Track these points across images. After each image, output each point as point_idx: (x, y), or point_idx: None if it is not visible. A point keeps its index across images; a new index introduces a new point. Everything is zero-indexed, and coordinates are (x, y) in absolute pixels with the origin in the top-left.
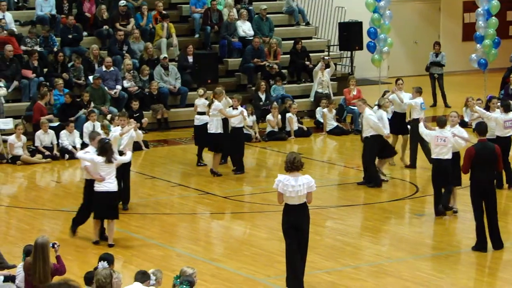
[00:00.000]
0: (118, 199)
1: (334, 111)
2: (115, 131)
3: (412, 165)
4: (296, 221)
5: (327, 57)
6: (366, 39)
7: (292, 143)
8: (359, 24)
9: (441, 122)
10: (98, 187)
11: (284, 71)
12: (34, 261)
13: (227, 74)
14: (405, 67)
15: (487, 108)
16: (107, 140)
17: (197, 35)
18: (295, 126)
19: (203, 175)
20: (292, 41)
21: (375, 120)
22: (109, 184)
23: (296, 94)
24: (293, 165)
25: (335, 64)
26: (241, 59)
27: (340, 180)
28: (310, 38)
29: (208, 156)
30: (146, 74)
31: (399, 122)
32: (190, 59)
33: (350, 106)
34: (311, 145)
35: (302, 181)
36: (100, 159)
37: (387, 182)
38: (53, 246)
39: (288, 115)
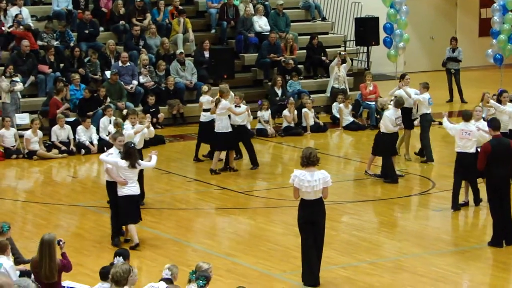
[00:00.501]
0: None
1: (350, 107)
2: (127, 129)
3: (429, 158)
4: (312, 216)
5: (343, 53)
6: (382, 35)
7: (308, 138)
8: (375, 20)
9: (466, 116)
10: (122, 191)
11: (300, 66)
12: (40, 258)
13: (243, 69)
14: (421, 62)
15: (499, 102)
16: (132, 145)
17: (213, 30)
18: (312, 121)
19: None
20: (309, 37)
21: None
22: (133, 187)
23: (313, 90)
24: (309, 160)
25: (351, 60)
26: (257, 54)
27: (356, 176)
28: (327, 33)
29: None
30: (162, 69)
31: (406, 117)
32: (207, 54)
33: (366, 102)
34: (327, 141)
35: (318, 176)
36: (124, 163)
37: (403, 177)
38: (58, 243)
39: (304, 110)
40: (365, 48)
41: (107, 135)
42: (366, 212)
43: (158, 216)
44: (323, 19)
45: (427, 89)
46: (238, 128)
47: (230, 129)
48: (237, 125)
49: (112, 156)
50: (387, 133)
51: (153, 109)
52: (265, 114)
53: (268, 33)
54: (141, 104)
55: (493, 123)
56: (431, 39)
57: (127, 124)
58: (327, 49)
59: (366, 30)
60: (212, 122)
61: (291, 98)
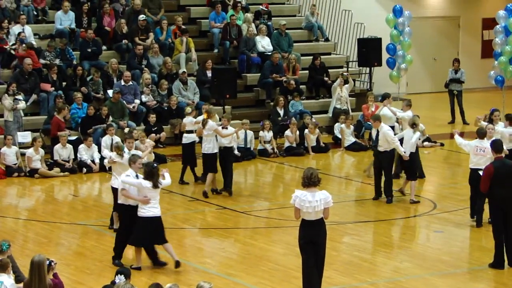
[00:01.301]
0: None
1: (352, 127)
2: (129, 154)
3: (421, 175)
4: (313, 237)
5: (345, 73)
6: (385, 55)
7: (310, 158)
8: (378, 40)
9: (481, 134)
10: (144, 212)
11: (302, 86)
12: (30, 280)
13: (245, 89)
14: (424, 83)
15: (490, 121)
16: (155, 165)
17: (216, 50)
18: (314, 142)
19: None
20: (311, 57)
21: (393, 137)
22: (155, 209)
23: (315, 110)
24: (310, 181)
25: (354, 80)
26: (259, 74)
27: (357, 196)
28: (329, 54)
29: (191, 175)
30: (164, 88)
31: None
32: (209, 73)
33: (368, 122)
34: (328, 161)
35: (319, 197)
36: (148, 183)
37: (418, 203)
38: (50, 264)
39: (306, 131)
40: (368, 69)
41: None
42: (367, 233)
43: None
44: (326, 39)
45: (409, 107)
46: (224, 150)
47: (216, 151)
48: (223, 147)
49: (128, 177)
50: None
51: (155, 128)
52: (267, 134)
53: (270, 53)
54: (143, 123)
55: (495, 145)
56: (433, 60)
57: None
58: (329, 70)
59: (369, 51)
60: (193, 144)
61: (293, 119)
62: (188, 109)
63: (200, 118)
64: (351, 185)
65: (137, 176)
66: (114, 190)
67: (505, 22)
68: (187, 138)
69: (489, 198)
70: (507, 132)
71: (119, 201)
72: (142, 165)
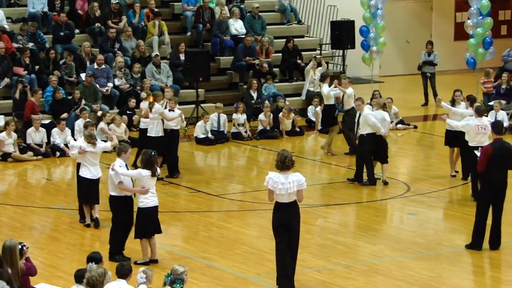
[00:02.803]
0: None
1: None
2: (100, 143)
3: (352, 151)
4: (286, 219)
5: (319, 56)
6: (358, 38)
7: (284, 141)
8: (351, 23)
9: (480, 111)
10: (147, 202)
11: (276, 69)
12: (1, 264)
13: (218, 72)
14: (397, 66)
15: (452, 102)
16: (153, 153)
17: (189, 33)
18: (290, 124)
19: (194, 173)
20: (284, 40)
21: (374, 120)
22: (155, 197)
23: (288, 93)
24: (284, 164)
25: (327, 63)
26: (233, 57)
27: (331, 179)
28: (302, 36)
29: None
30: (137, 72)
31: (330, 114)
32: (182, 57)
33: (341, 105)
34: (302, 144)
35: (292, 179)
36: (147, 172)
37: (378, 180)
38: (22, 248)
39: (280, 114)
40: (341, 51)
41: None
42: (341, 216)
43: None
44: (299, 22)
45: (350, 83)
46: (171, 132)
47: (161, 134)
48: (169, 129)
49: (121, 168)
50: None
51: (130, 112)
52: (241, 117)
53: (243, 36)
54: (116, 106)
55: (495, 126)
56: (406, 43)
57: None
58: (302, 52)
59: (342, 34)
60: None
61: (267, 102)
62: (144, 94)
63: (145, 104)
64: (325, 167)
65: (126, 166)
66: (84, 181)
67: (478, 4)
68: (145, 123)
69: (483, 179)
70: (468, 113)
71: (113, 193)
72: (142, 154)
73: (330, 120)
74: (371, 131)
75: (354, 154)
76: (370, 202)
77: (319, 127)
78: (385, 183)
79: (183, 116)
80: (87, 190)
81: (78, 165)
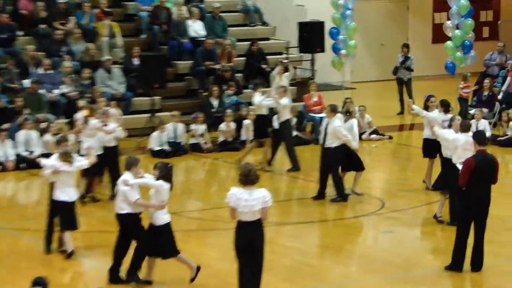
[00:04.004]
0: None
1: (293, 119)
2: (77, 161)
3: (296, 167)
4: (249, 239)
5: (285, 60)
6: (329, 41)
7: (256, 153)
8: (320, 24)
9: (466, 127)
10: (165, 218)
11: (238, 75)
12: None
13: (176, 78)
14: (370, 71)
15: (426, 108)
16: (170, 165)
17: (143, 35)
18: (251, 134)
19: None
20: (248, 42)
21: (345, 133)
22: (168, 214)
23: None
24: (248, 178)
25: (295, 68)
26: (191, 61)
27: (298, 195)
28: (267, 39)
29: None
30: (87, 77)
31: (263, 124)
32: (136, 61)
33: (310, 114)
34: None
35: (257, 195)
36: (168, 185)
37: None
38: None
39: (245, 122)
40: (310, 55)
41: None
42: (309, 235)
43: (87, 238)
44: (264, 23)
45: (285, 93)
46: (107, 150)
47: (100, 151)
48: (106, 146)
49: (143, 178)
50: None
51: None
52: (200, 127)
53: (203, 38)
54: (66, 116)
55: (478, 136)
56: (381, 46)
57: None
58: (268, 56)
59: (311, 36)
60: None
61: (229, 110)
62: (82, 102)
63: (80, 115)
64: (293, 182)
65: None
66: (60, 205)
67: (457, 3)
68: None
69: (465, 194)
70: (440, 119)
71: (128, 211)
72: (156, 165)
73: (262, 131)
74: (340, 143)
75: (297, 171)
76: (341, 219)
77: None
78: (357, 194)
79: (122, 128)
80: (65, 215)
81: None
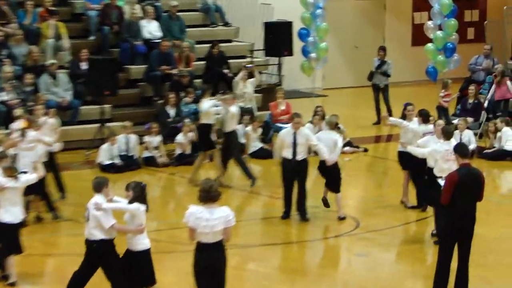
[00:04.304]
0: None
1: (259, 130)
2: (23, 175)
3: (252, 177)
4: (210, 262)
5: (250, 65)
6: (298, 43)
7: (208, 168)
8: (288, 25)
9: (448, 134)
10: (145, 243)
11: (198, 81)
12: None
13: (128, 85)
14: (343, 76)
15: (403, 117)
16: (143, 184)
17: (92, 37)
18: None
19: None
20: (208, 45)
21: (314, 139)
22: (147, 239)
23: None
24: (209, 195)
25: (260, 73)
26: (145, 66)
27: (264, 214)
28: (230, 41)
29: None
30: (29, 83)
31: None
32: (84, 65)
33: (277, 124)
34: (230, 171)
35: (219, 214)
36: (143, 207)
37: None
38: None
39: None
40: (277, 59)
41: None
42: (276, 258)
43: (27, 262)
44: (226, 24)
45: (235, 99)
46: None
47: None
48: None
49: (114, 203)
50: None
51: None
52: (155, 139)
53: (159, 40)
54: (6, 126)
55: (461, 149)
56: (355, 48)
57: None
58: (230, 60)
59: (278, 38)
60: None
61: (187, 120)
62: (18, 111)
63: (16, 125)
64: (258, 200)
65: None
66: (4, 227)
67: (439, 2)
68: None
69: (447, 212)
70: (422, 131)
71: (103, 237)
72: (129, 185)
73: (208, 142)
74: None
75: (255, 181)
76: (311, 241)
77: (249, 151)
78: (341, 218)
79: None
80: (8, 238)
81: None
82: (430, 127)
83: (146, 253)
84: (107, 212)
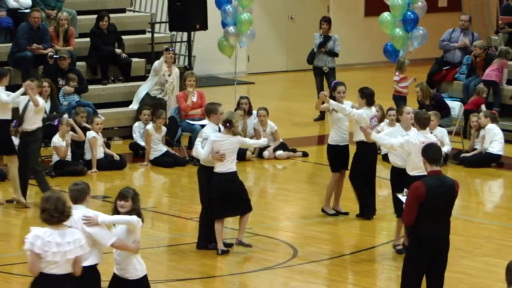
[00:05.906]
0: None
1: (163, 129)
2: None
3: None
4: None
5: (172, 48)
6: (214, 14)
7: (94, 179)
8: None
9: (423, 121)
10: (138, 270)
11: (81, 63)
12: None
13: None
14: (274, 58)
15: (333, 99)
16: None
17: None
18: (101, 151)
19: None
20: (95, 16)
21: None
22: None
23: (103, 102)
24: (63, 214)
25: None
26: (10, 44)
27: (170, 240)
28: (124, 11)
29: None
30: None
31: None
32: None
33: (187, 120)
34: (123, 183)
35: (72, 238)
36: (140, 221)
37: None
38: None
39: (89, 134)
40: (185, 34)
41: None
42: None
43: None
44: None
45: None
46: None
47: None
48: None
49: (110, 216)
50: None
51: None
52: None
53: (28, 10)
54: None
55: (430, 151)
56: (290, 20)
57: None
58: (124, 37)
59: (187, 6)
60: None
61: (65, 116)
62: None
63: None
64: (161, 221)
65: None
66: None
67: None
68: None
69: (412, 235)
70: (367, 115)
71: (88, 262)
72: (127, 193)
73: (7, 145)
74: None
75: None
76: (235, 275)
77: (152, 157)
78: (246, 245)
79: None
80: None
81: None
82: (374, 110)
83: (146, 280)
84: (102, 227)
